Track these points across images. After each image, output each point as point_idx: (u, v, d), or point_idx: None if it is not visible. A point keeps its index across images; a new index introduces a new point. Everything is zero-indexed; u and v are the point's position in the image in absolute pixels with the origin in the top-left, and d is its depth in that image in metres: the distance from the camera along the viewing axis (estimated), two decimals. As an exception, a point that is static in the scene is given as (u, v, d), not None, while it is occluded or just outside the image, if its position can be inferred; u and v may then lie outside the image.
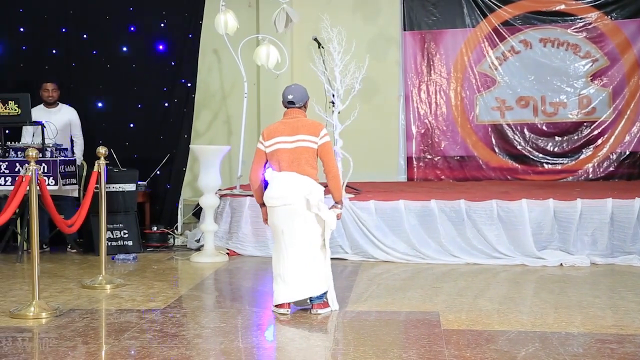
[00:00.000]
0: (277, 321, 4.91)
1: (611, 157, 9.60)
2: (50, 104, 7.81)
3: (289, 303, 4.95)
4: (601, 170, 9.61)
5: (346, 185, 7.41)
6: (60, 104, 7.91)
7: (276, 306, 4.97)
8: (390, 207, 7.06)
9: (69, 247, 7.72)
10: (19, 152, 7.21)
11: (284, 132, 4.97)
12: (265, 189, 5.06)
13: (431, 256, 6.90)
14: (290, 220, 4.88)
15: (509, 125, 9.84)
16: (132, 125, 8.45)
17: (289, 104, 5.07)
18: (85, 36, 8.41)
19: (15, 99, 7.27)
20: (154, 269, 6.73)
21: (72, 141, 7.92)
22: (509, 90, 9.83)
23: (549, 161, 9.73)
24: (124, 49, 8.42)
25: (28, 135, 7.79)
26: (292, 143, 4.93)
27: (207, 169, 7.20)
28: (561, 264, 6.67)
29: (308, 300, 4.99)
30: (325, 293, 4.99)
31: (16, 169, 7.02)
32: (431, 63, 9.97)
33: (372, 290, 5.74)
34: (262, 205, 5.10)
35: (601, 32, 9.60)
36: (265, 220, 5.14)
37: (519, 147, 9.80)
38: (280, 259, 4.98)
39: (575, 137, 9.72)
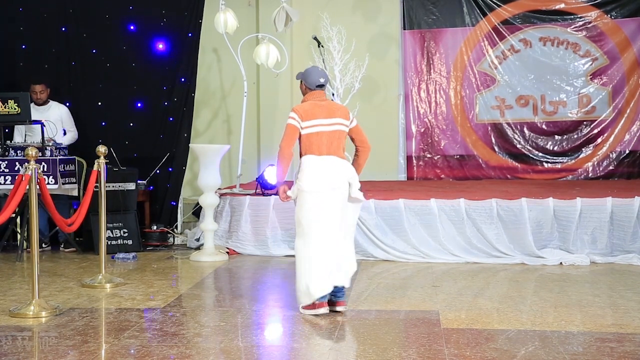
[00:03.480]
0: (277, 321, 4.92)
1: (611, 156, 9.60)
2: (41, 104, 7.79)
3: (327, 301, 4.82)
4: (601, 169, 9.61)
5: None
6: (50, 101, 7.88)
7: (312, 307, 4.81)
8: (390, 206, 7.05)
9: (62, 246, 7.71)
10: (18, 151, 7.21)
11: (321, 114, 4.88)
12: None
13: (431, 255, 6.90)
14: (336, 205, 4.80)
15: (508, 124, 9.84)
16: (131, 124, 8.45)
17: (318, 87, 4.98)
18: (85, 35, 8.41)
19: (15, 98, 7.27)
20: (154, 268, 6.73)
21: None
22: (508, 89, 9.83)
23: (549, 160, 9.73)
24: (124, 47, 8.41)
25: (19, 135, 7.78)
26: (330, 126, 4.87)
27: (206, 168, 7.20)
28: (561, 263, 6.67)
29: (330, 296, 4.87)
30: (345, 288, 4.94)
31: (16, 168, 7.02)
32: (431, 62, 9.96)
33: (372, 289, 5.74)
34: (283, 183, 4.95)
35: (601, 31, 9.60)
36: (285, 198, 4.95)
37: (518, 146, 9.80)
38: (324, 246, 4.79)
39: (575, 136, 9.72)
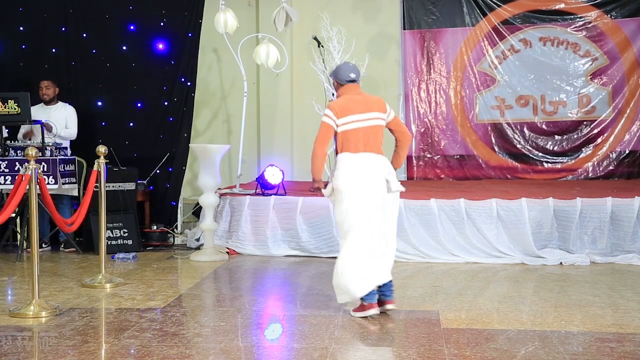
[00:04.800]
0: (277, 321, 4.92)
1: (611, 156, 9.60)
2: (48, 102, 7.80)
3: (377, 302, 4.74)
4: (601, 169, 9.61)
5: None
6: (60, 102, 7.90)
7: (361, 309, 4.74)
8: (390, 206, 7.04)
9: (62, 246, 7.70)
10: (18, 151, 7.21)
11: (356, 109, 4.78)
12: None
13: (431, 255, 6.90)
14: (375, 203, 4.72)
15: (508, 124, 9.84)
16: (131, 124, 8.45)
17: (349, 81, 4.87)
18: (84, 35, 8.41)
19: (15, 98, 7.27)
20: (154, 268, 6.73)
21: None
22: (508, 89, 9.83)
23: (549, 160, 9.73)
24: (124, 47, 8.41)
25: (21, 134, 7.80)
26: (366, 121, 4.77)
27: (206, 168, 7.20)
28: (561, 263, 6.67)
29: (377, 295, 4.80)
30: (392, 283, 4.85)
31: (16, 168, 7.02)
32: (431, 62, 9.97)
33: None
34: (318, 180, 4.87)
35: (601, 31, 9.60)
36: (318, 188, 4.88)
37: (518, 146, 9.80)
38: (364, 244, 4.70)
39: (575, 136, 9.72)
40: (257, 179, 7.78)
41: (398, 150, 5.01)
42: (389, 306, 4.80)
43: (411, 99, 9.97)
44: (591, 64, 9.65)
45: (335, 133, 4.80)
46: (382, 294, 4.81)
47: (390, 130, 4.95)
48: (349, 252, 4.74)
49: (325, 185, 4.91)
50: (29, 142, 7.46)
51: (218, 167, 7.28)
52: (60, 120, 7.72)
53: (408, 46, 9.97)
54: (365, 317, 4.73)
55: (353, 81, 4.88)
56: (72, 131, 7.83)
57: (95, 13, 8.39)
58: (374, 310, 4.72)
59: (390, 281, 4.84)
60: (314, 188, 4.96)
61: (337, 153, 4.86)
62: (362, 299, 4.73)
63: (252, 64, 8.76)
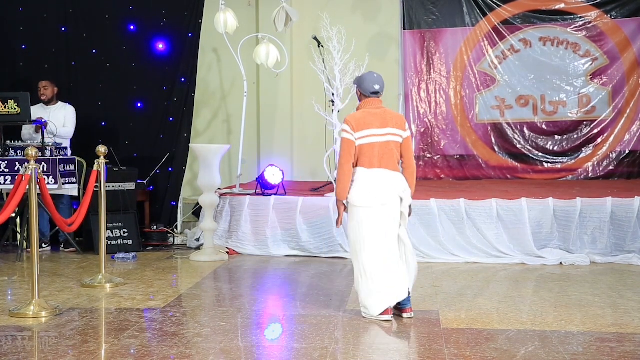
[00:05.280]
0: (277, 321, 4.91)
1: (611, 156, 9.60)
2: (47, 102, 7.80)
3: (391, 307, 4.70)
4: (601, 169, 9.61)
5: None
6: (60, 102, 7.89)
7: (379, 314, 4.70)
8: (390, 206, 7.04)
9: (62, 246, 7.70)
10: (18, 151, 7.21)
11: (373, 124, 4.71)
12: None
13: (431, 255, 6.90)
14: (388, 220, 4.66)
15: (508, 124, 9.84)
16: (131, 124, 8.45)
17: (373, 94, 4.80)
18: (84, 35, 8.41)
19: (15, 98, 7.27)
20: (154, 268, 6.72)
21: None
22: (508, 89, 9.83)
23: (549, 160, 9.73)
24: (124, 47, 8.41)
25: (27, 133, 7.79)
26: (383, 136, 4.70)
27: (206, 168, 7.20)
28: (561, 263, 6.67)
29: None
30: (410, 293, 4.77)
31: (16, 168, 7.02)
32: (431, 62, 9.97)
33: (372, 289, 5.73)
34: (342, 203, 4.77)
35: (601, 31, 9.60)
36: (339, 224, 4.82)
37: (518, 146, 9.80)
38: (378, 261, 4.66)
39: (575, 136, 9.72)
40: (257, 179, 7.78)
41: (405, 178, 4.83)
42: (405, 315, 4.74)
43: (411, 99, 9.97)
44: (591, 64, 9.65)
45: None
46: (400, 303, 4.74)
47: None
48: (363, 270, 4.70)
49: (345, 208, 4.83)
50: (29, 142, 7.46)
51: (218, 167, 7.28)
52: (60, 120, 7.71)
53: (408, 46, 9.97)
54: (381, 320, 4.65)
55: (376, 93, 4.81)
56: (69, 130, 7.82)
57: (95, 13, 8.39)
58: (388, 317, 4.66)
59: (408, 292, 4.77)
60: (341, 222, 4.83)
61: (353, 166, 4.78)
62: None
63: (252, 64, 8.76)
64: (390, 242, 4.70)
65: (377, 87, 4.80)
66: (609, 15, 9.57)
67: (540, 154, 9.75)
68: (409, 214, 4.80)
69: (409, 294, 4.76)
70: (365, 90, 4.82)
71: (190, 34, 8.30)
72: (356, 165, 4.76)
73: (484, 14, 9.81)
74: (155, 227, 8.08)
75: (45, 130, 7.28)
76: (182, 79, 8.31)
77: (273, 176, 7.57)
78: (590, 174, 9.59)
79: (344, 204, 4.80)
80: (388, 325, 4.59)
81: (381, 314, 4.66)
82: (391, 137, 4.74)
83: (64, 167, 7.24)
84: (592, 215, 6.82)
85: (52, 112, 7.73)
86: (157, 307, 5.13)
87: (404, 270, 4.75)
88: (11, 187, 5.83)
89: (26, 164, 4.93)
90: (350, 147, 4.71)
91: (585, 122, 9.69)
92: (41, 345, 4.22)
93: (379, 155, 4.70)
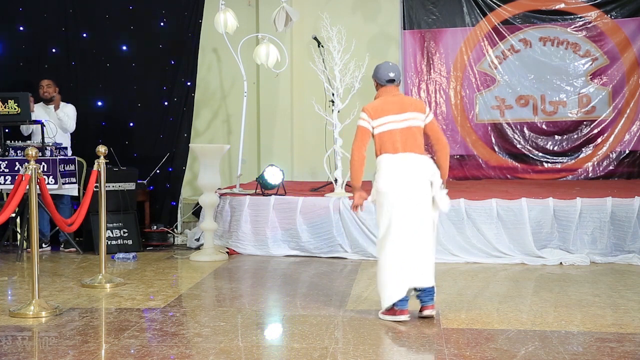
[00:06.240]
0: (277, 321, 4.91)
1: (611, 155, 9.60)
2: (48, 101, 7.80)
3: (408, 309, 4.60)
4: (601, 169, 9.61)
5: (346, 184, 7.41)
6: (61, 103, 7.89)
7: (391, 313, 4.63)
8: (390, 206, 7.03)
9: (62, 246, 7.70)
10: (18, 151, 7.21)
11: (391, 110, 4.69)
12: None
13: (431, 255, 6.89)
14: (415, 206, 4.58)
15: (508, 124, 9.84)
16: (131, 124, 8.46)
17: (388, 82, 4.79)
18: (85, 35, 8.41)
19: (15, 98, 7.27)
20: (154, 268, 6.73)
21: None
22: (508, 89, 9.83)
23: (549, 160, 9.73)
24: (124, 47, 8.42)
25: (26, 133, 7.79)
26: (402, 122, 4.67)
27: (206, 168, 7.20)
28: (561, 263, 6.67)
29: (415, 297, 4.67)
30: (434, 290, 4.70)
31: (16, 168, 7.02)
32: (431, 62, 9.97)
33: (372, 289, 5.72)
34: (358, 188, 4.76)
35: (601, 31, 9.60)
36: (356, 206, 4.77)
37: (518, 146, 9.80)
38: (404, 248, 4.57)
39: (575, 136, 9.72)
40: (257, 179, 7.79)
41: (437, 161, 4.79)
42: (426, 312, 4.65)
43: (411, 99, 9.97)
44: (591, 64, 9.65)
45: (373, 136, 4.74)
46: (421, 299, 4.68)
47: (426, 134, 4.82)
48: (386, 257, 4.63)
49: (369, 193, 4.78)
50: (29, 141, 7.47)
51: (218, 167, 7.28)
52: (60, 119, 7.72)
53: (408, 46, 9.97)
54: (396, 322, 4.60)
55: (392, 80, 4.80)
56: (71, 122, 7.81)
57: (95, 13, 8.39)
58: (404, 317, 4.60)
59: (432, 287, 4.68)
60: (354, 205, 4.81)
61: (376, 156, 4.75)
62: (394, 303, 4.62)
63: (252, 64, 8.77)
64: (425, 228, 4.60)
65: (392, 75, 4.80)
66: (609, 15, 9.57)
67: (540, 154, 9.75)
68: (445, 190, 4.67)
69: (434, 288, 4.68)
70: (381, 79, 4.83)
71: (190, 34, 8.31)
72: (380, 153, 4.71)
73: (484, 14, 9.81)
74: (155, 227, 8.09)
75: (44, 130, 7.27)
76: (182, 79, 8.32)
77: (273, 176, 7.57)
78: (590, 174, 9.59)
79: (359, 190, 4.77)
80: (401, 326, 4.52)
81: (397, 313, 4.58)
82: (412, 121, 4.71)
83: (64, 167, 7.24)
84: (592, 215, 6.82)
85: (52, 112, 7.73)
86: (157, 307, 5.13)
87: (432, 260, 4.68)
88: (11, 187, 5.83)
89: (26, 164, 4.93)
90: (364, 135, 4.71)
91: (585, 122, 9.69)
92: (41, 345, 4.22)
93: (402, 140, 4.66)
